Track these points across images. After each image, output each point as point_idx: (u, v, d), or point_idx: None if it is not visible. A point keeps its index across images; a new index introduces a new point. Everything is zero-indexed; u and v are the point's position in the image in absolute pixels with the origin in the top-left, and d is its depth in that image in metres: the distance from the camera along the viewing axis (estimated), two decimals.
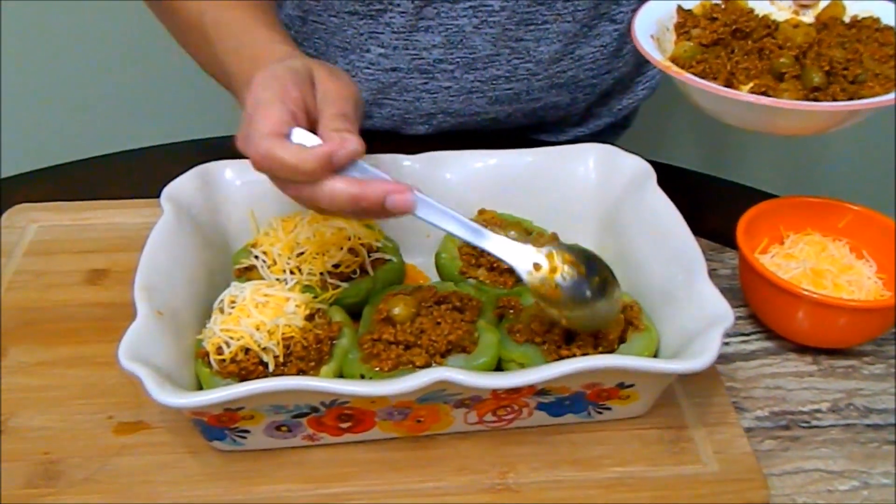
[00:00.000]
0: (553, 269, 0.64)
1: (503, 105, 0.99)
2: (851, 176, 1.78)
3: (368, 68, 0.97)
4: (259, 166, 0.62)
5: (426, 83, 0.97)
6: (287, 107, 0.62)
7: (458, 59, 0.94)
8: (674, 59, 0.73)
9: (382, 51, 0.95)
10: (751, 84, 0.71)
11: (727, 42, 0.74)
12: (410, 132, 1.03)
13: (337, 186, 0.60)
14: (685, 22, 0.76)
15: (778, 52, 0.72)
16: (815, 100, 0.69)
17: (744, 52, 0.73)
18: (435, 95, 0.98)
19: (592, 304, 0.65)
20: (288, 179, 0.62)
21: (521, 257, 0.64)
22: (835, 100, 0.68)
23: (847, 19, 0.75)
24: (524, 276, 0.64)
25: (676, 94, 0.74)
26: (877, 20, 0.74)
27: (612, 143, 0.82)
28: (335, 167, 0.60)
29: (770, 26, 0.74)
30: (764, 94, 0.69)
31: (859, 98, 0.68)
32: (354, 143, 0.61)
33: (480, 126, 1.03)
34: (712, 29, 0.74)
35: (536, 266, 0.64)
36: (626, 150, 0.80)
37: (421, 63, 0.95)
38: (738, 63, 0.72)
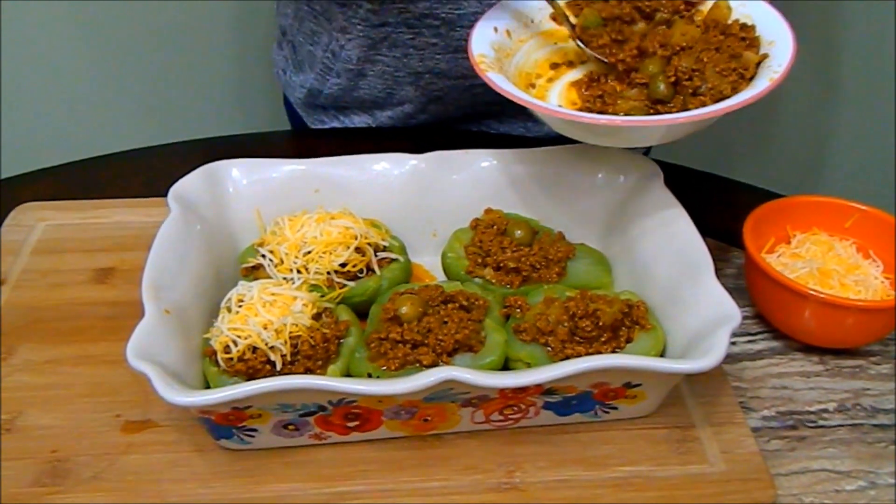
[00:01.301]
0: None
1: None
2: (858, 176, 1.78)
3: (360, 24, 0.98)
4: None
5: (413, 38, 0.98)
6: None
7: (444, 15, 0.95)
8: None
9: (371, 5, 0.96)
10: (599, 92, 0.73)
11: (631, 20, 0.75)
12: (401, 95, 1.04)
13: None
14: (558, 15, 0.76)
15: (650, 57, 0.72)
16: (657, 112, 0.69)
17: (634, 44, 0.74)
18: (422, 52, 0.99)
19: None
20: None
21: None
22: (670, 112, 0.69)
23: (731, 22, 0.74)
24: None
25: None
26: (749, 28, 0.73)
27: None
28: None
29: (671, 20, 0.74)
30: (601, 97, 0.71)
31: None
32: None
33: (474, 98, 1.02)
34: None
35: None
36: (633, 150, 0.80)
37: (408, 17, 0.96)
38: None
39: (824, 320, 0.73)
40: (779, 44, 0.71)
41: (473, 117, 1.08)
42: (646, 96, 0.70)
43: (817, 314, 0.72)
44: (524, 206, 0.80)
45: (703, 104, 0.68)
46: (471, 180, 0.80)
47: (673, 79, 0.70)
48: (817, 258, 0.77)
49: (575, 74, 0.77)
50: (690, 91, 0.70)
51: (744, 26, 0.73)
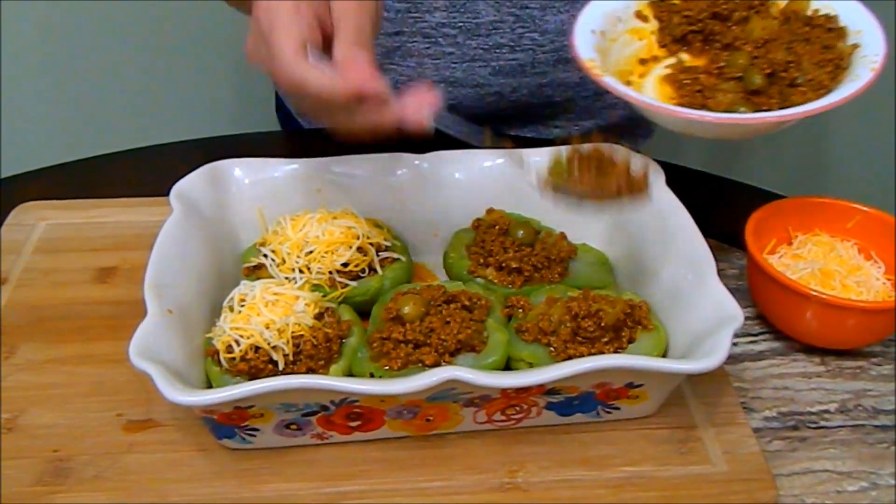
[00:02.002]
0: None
1: (507, 77, 0.99)
2: (860, 177, 1.78)
3: None
4: (285, 89, 0.62)
5: (429, 48, 0.97)
6: (303, 21, 0.61)
7: (461, 24, 0.95)
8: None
9: (386, 14, 0.95)
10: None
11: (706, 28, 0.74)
12: None
13: (377, 118, 0.62)
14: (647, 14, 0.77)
15: (736, 51, 0.72)
16: (754, 104, 0.70)
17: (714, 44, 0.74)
18: (438, 62, 0.98)
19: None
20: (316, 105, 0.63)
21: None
22: (768, 102, 0.69)
23: (810, 12, 0.75)
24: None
25: None
26: (832, 19, 0.73)
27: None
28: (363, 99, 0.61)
29: (748, 17, 0.74)
30: (700, 92, 0.70)
31: (790, 102, 0.69)
32: (379, 80, 0.61)
33: (486, 106, 1.02)
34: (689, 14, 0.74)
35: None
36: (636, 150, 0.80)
37: (424, 26, 0.96)
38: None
39: (826, 321, 0.73)
40: (867, 33, 0.71)
41: (485, 123, 1.07)
42: (742, 88, 0.70)
43: (819, 315, 0.72)
44: (526, 206, 0.80)
45: (804, 95, 0.69)
46: (473, 180, 0.80)
47: (768, 70, 0.70)
48: (819, 259, 0.77)
49: (661, 69, 0.77)
50: (787, 83, 0.70)
51: (828, 17, 0.73)
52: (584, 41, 0.74)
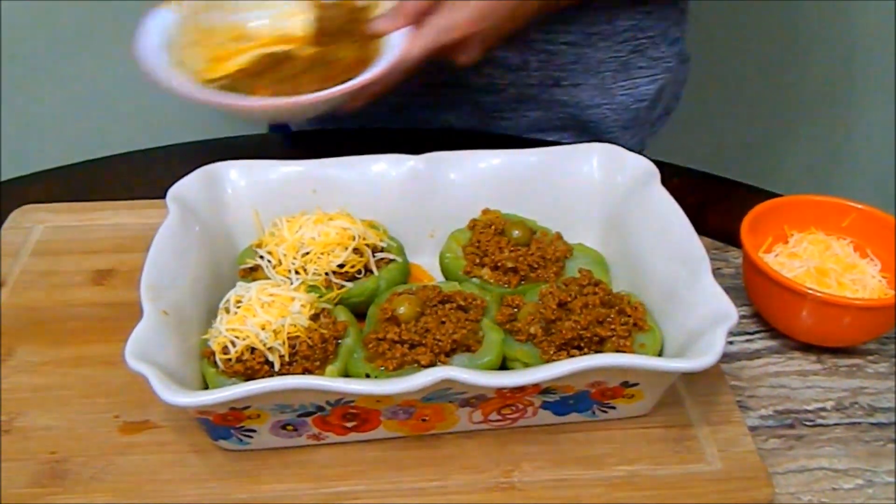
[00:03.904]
0: None
1: None
2: (855, 175, 1.78)
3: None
4: None
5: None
6: None
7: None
8: None
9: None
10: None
11: None
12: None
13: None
14: None
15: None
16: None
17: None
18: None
19: None
20: None
21: None
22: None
23: None
24: None
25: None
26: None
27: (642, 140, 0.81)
28: None
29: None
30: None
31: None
32: None
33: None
34: None
35: None
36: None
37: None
38: None
39: (822, 319, 0.73)
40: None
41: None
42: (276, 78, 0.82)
43: (815, 313, 0.72)
44: (522, 206, 0.80)
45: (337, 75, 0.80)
46: (468, 181, 0.80)
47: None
48: (815, 257, 0.77)
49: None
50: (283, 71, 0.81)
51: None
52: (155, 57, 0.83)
